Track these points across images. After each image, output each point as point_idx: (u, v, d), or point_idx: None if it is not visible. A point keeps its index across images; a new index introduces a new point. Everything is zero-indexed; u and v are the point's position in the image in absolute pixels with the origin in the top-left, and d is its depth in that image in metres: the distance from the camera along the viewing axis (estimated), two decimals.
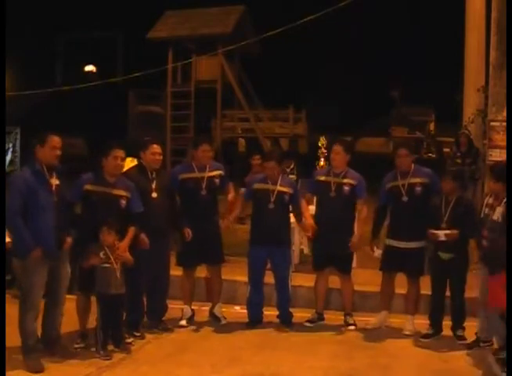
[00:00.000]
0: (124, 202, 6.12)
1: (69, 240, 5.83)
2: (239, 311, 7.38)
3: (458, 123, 13.52)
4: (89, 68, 28.10)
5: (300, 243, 9.26)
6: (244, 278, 7.24)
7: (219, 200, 7.20)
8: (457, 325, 6.50)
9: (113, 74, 19.62)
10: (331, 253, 6.88)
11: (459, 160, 11.53)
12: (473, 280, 6.44)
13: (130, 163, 7.31)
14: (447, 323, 6.56)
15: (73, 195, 6.04)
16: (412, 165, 6.88)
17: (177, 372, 5.63)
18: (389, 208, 6.94)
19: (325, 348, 6.33)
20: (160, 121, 19.86)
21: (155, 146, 6.62)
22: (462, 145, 11.72)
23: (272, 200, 6.86)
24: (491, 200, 6.09)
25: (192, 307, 7.07)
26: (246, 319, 6.99)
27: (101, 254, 5.92)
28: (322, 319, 7.09)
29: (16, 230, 5.62)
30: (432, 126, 31.72)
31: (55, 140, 5.73)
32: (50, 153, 5.68)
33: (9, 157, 18.14)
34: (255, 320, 6.97)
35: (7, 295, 6.32)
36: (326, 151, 8.94)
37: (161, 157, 6.70)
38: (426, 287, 6.77)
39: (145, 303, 6.66)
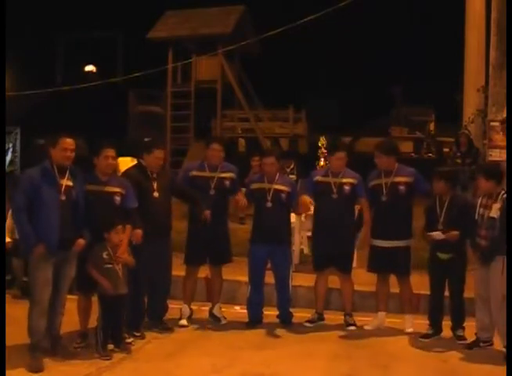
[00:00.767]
0: (118, 198, 6.14)
1: (81, 241, 5.82)
2: (239, 311, 7.38)
3: (458, 123, 13.55)
4: (89, 68, 28.08)
5: (300, 243, 9.27)
6: (244, 278, 7.24)
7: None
8: (457, 325, 6.50)
9: (113, 74, 19.66)
10: (331, 253, 6.88)
11: (459, 160, 11.53)
12: (472, 280, 6.44)
13: (130, 162, 7.32)
14: (447, 323, 6.57)
15: None
16: (396, 164, 6.88)
17: (177, 372, 5.63)
18: (372, 207, 6.92)
19: (325, 348, 6.32)
20: (160, 121, 19.87)
21: (159, 151, 6.62)
22: (462, 145, 11.72)
23: (269, 198, 6.87)
24: (484, 201, 6.12)
25: (193, 307, 7.07)
26: (246, 319, 6.99)
27: (104, 255, 5.92)
28: (322, 319, 7.09)
29: (19, 226, 5.74)
30: (432, 126, 31.70)
31: (67, 142, 5.78)
32: (61, 155, 5.74)
33: (9, 157, 18.17)
34: (255, 320, 6.97)
35: (7, 295, 6.34)
36: (326, 151, 8.96)
37: (162, 161, 6.72)
38: (426, 287, 6.78)
39: (145, 303, 6.66)
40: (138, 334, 6.43)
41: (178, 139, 18.95)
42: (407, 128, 30.75)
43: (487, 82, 10.00)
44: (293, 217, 7.25)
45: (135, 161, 6.98)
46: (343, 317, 7.01)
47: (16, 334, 5.76)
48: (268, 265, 7.07)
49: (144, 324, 6.61)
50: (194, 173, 7.03)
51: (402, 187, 6.77)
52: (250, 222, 7.30)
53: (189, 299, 7.04)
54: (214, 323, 7.03)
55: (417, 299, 7.21)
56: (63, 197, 5.70)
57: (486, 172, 6.17)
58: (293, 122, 19.33)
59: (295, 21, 11.69)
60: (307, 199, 6.92)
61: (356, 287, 7.20)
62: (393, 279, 7.00)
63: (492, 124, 9.02)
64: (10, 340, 5.66)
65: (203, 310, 7.27)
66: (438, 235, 6.36)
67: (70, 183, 5.79)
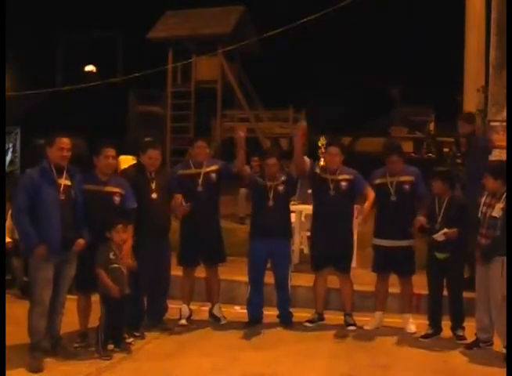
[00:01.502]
0: (117, 198, 6.14)
1: (81, 241, 5.82)
2: (239, 311, 7.38)
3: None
4: (89, 68, 28.05)
5: (300, 243, 9.26)
6: (244, 278, 7.24)
7: (222, 201, 7.19)
8: (457, 325, 6.50)
9: (113, 74, 19.62)
10: (330, 252, 6.87)
11: (459, 160, 11.49)
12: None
13: (132, 161, 7.32)
14: (447, 323, 6.57)
15: None
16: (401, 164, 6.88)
17: (177, 372, 5.63)
18: (376, 206, 6.90)
19: (325, 348, 6.33)
20: (160, 121, 19.86)
21: (153, 151, 6.60)
22: (462, 145, 11.67)
23: (271, 197, 6.87)
24: (488, 199, 6.11)
25: (192, 307, 7.07)
26: (246, 319, 6.99)
27: (111, 255, 5.91)
28: (322, 319, 7.09)
29: (19, 226, 5.74)
30: (432, 126, 31.65)
31: (63, 141, 5.78)
32: (58, 154, 5.74)
33: (9, 157, 18.19)
34: (255, 320, 6.97)
35: (7, 295, 6.34)
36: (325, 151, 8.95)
37: (158, 161, 6.67)
38: (426, 286, 6.77)
39: (145, 303, 6.66)
40: (138, 334, 6.44)
41: (178, 139, 18.92)
42: (407, 128, 30.72)
43: (487, 82, 9.97)
44: (293, 217, 7.25)
45: (135, 160, 6.99)
46: (343, 317, 7.01)
47: (16, 334, 5.76)
48: (268, 265, 7.08)
49: (144, 324, 6.61)
50: (180, 172, 7.02)
51: (406, 186, 6.78)
52: (250, 222, 7.29)
53: (187, 299, 7.04)
54: (214, 323, 7.03)
55: (418, 299, 7.21)
56: (63, 197, 5.71)
57: (494, 171, 6.15)
58: (293, 122, 19.31)
59: (295, 21, 11.68)
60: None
61: (356, 287, 7.19)
62: (393, 279, 6.99)
63: (492, 124, 9.01)
64: (10, 340, 5.67)
65: (202, 310, 7.28)
66: (439, 236, 6.36)
67: (69, 183, 5.79)
